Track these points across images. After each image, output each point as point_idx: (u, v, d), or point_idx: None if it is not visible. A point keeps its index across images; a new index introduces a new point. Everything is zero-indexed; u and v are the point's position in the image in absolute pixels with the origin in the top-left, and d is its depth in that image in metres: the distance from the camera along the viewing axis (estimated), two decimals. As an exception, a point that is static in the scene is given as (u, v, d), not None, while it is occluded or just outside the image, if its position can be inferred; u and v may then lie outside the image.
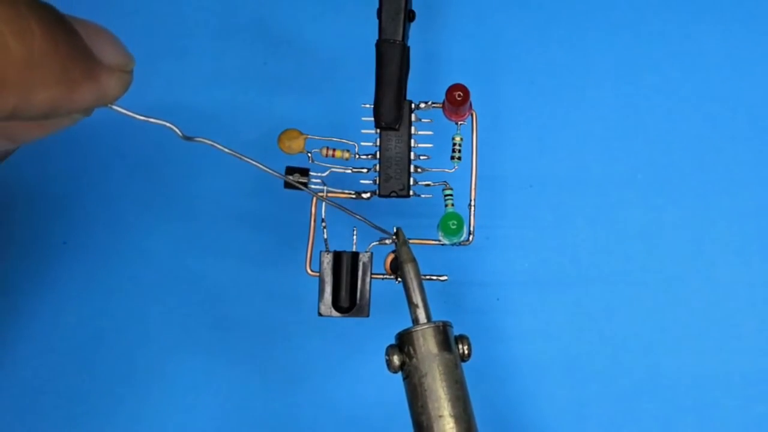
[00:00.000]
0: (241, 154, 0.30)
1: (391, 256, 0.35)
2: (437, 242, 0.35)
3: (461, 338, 0.32)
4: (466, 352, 0.31)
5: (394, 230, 0.33)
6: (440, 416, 0.30)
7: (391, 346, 0.31)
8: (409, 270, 0.32)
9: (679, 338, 0.40)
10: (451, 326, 0.31)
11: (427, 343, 0.31)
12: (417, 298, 0.32)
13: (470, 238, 0.36)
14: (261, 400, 0.40)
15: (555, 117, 0.41)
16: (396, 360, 0.31)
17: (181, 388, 0.40)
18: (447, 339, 0.31)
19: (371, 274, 0.35)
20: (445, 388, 0.30)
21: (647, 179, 0.41)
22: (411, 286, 0.32)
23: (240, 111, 0.41)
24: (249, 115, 0.41)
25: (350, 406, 0.40)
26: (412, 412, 0.31)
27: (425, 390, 0.30)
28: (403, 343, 0.31)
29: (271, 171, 0.30)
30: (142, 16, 0.42)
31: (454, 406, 0.30)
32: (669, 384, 0.40)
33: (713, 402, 0.40)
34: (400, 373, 0.31)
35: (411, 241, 0.35)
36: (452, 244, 0.35)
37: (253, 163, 0.30)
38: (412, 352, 0.31)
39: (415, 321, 0.31)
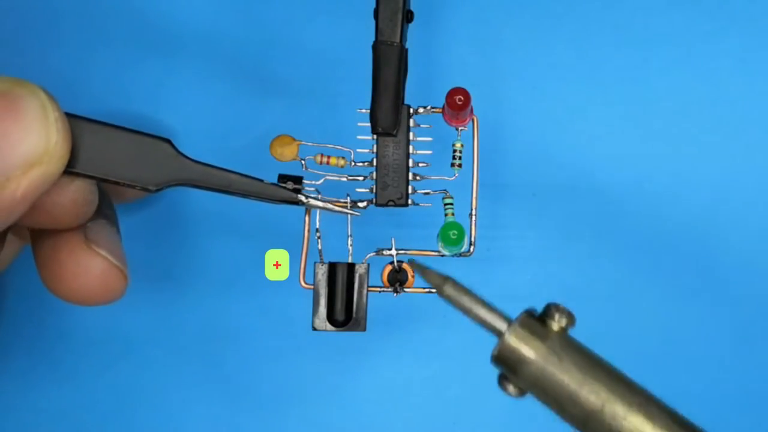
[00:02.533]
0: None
1: (388, 268, 0.35)
2: (437, 253, 0.35)
3: (553, 310, 0.26)
4: (564, 323, 0.26)
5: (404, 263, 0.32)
6: (599, 408, 0.25)
7: (499, 379, 0.27)
8: (452, 290, 0.27)
9: (691, 355, 0.39)
10: (532, 312, 0.27)
11: (525, 347, 0.26)
12: (481, 311, 0.27)
13: (471, 249, 0.35)
14: (252, 419, 0.40)
15: (559, 123, 0.40)
16: (512, 389, 0.26)
17: (168, 406, 0.40)
18: (540, 326, 0.26)
19: (368, 286, 0.34)
20: (575, 375, 0.25)
21: (655, 188, 0.40)
22: (466, 304, 0.27)
23: (230, 116, 0.40)
24: (239, 120, 0.40)
25: (345, 425, 0.40)
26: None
27: (561, 393, 0.25)
28: (503, 364, 0.26)
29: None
30: (128, 16, 0.41)
31: (603, 383, 0.25)
32: (683, 405, 0.39)
33: (730, 422, 0.39)
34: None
35: (409, 252, 0.35)
36: (452, 256, 0.35)
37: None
38: (517, 367, 0.26)
39: (499, 334, 0.26)
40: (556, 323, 0.26)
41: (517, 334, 0.26)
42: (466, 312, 0.27)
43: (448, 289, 0.27)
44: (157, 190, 0.30)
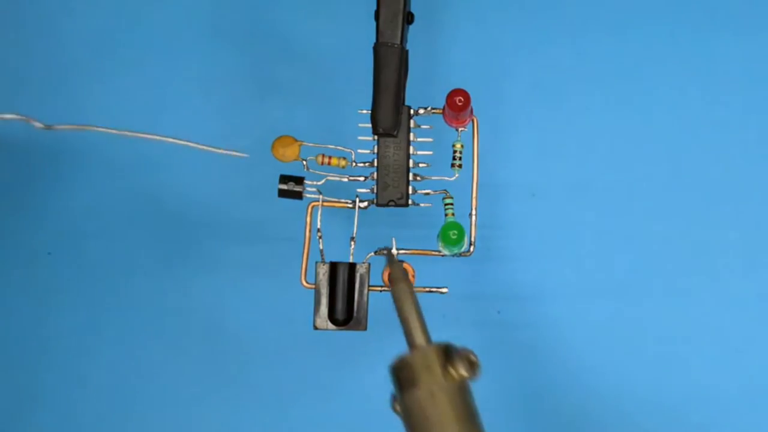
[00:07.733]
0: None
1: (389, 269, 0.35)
2: (437, 253, 0.35)
3: (463, 355, 0.27)
4: (463, 373, 0.27)
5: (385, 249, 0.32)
6: None
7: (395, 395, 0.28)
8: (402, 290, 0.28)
9: (686, 351, 0.39)
10: (452, 347, 0.27)
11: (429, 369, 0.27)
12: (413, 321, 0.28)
13: (471, 249, 0.35)
14: (254, 416, 0.40)
15: (558, 123, 0.40)
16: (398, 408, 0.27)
17: (171, 404, 0.40)
18: (450, 360, 0.27)
19: (369, 285, 0.34)
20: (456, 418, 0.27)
21: (653, 188, 0.40)
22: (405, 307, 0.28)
23: (232, 117, 0.40)
24: (241, 121, 0.40)
25: (346, 423, 0.40)
26: None
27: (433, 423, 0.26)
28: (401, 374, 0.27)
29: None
30: (129, 17, 0.41)
31: None
32: (676, 399, 0.39)
33: (720, 418, 0.39)
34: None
35: (410, 252, 0.35)
36: (453, 255, 0.35)
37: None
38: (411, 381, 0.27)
39: (412, 345, 0.27)
40: (456, 371, 0.27)
41: (426, 356, 0.27)
42: (400, 312, 0.28)
43: (400, 286, 0.28)
44: None
